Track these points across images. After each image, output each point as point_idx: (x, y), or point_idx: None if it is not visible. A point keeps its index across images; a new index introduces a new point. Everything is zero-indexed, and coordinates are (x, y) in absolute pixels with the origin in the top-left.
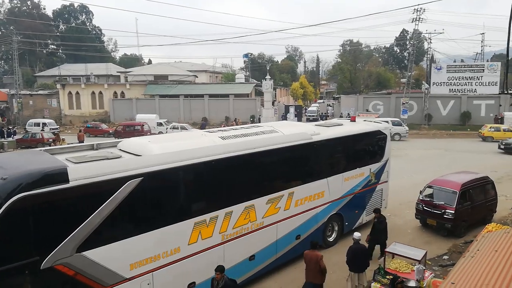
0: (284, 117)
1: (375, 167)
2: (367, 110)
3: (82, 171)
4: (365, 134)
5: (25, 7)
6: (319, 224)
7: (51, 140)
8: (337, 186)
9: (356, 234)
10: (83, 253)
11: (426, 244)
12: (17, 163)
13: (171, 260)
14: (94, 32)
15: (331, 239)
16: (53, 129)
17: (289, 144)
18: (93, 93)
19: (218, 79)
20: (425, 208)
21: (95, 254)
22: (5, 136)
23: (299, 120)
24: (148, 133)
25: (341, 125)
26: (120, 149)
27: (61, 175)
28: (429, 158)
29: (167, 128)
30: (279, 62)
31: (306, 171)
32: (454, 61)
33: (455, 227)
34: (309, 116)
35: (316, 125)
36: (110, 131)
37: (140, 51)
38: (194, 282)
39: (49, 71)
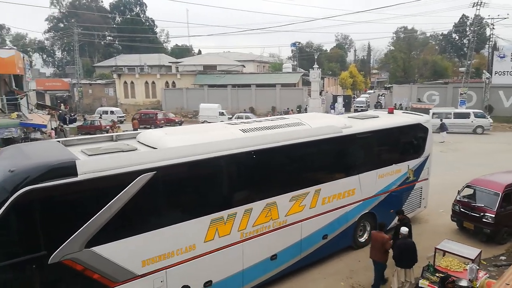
0: (332, 107)
1: (414, 163)
2: (419, 100)
3: (92, 164)
4: (403, 128)
5: (84, 0)
6: (349, 224)
7: (108, 127)
8: (370, 184)
9: (404, 229)
10: (93, 248)
11: None
12: (28, 155)
13: (186, 257)
14: (147, 24)
15: (362, 239)
16: (120, 117)
17: (316, 138)
18: (146, 82)
19: (266, 68)
20: (462, 210)
21: (105, 250)
22: (67, 123)
23: (347, 111)
24: (162, 121)
25: (377, 117)
26: (138, 141)
27: (70, 168)
28: (489, 153)
29: (229, 117)
30: (328, 51)
31: (334, 167)
32: None
33: (495, 233)
34: (357, 107)
35: (349, 117)
36: (177, 120)
37: (190, 41)
38: (210, 281)
39: (107, 62)
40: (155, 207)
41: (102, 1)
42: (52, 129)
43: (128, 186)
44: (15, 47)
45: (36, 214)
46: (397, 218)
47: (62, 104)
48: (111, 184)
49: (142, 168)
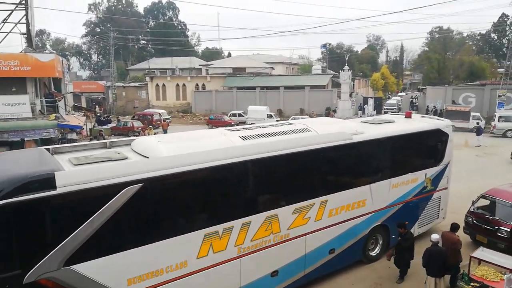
0: (361, 109)
1: (432, 171)
2: (453, 102)
3: (73, 176)
4: (421, 134)
5: (120, 6)
6: (358, 237)
7: (140, 128)
8: (382, 194)
9: (434, 236)
10: (73, 266)
11: None
12: (6, 165)
13: (177, 275)
14: (179, 27)
15: (373, 253)
16: (166, 118)
17: (323, 145)
18: (177, 85)
19: (295, 70)
20: (475, 222)
21: (86, 268)
22: (102, 124)
23: (378, 113)
24: (159, 122)
25: (392, 122)
26: (132, 149)
27: (48, 181)
28: None
29: (277, 120)
30: (359, 52)
31: (343, 177)
32: None
33: (510, 249)
34: (387, 109)
35: (362, 122)
36: (232, 123)
37: (220, 44)
38: None
39: (140, 65)
40: (143, 221)
41: (136, 6)
42: (89, 129)
43: (112, 200)
44: (54, 51)
45: (9, 230)
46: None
47: (97, 106)
48: (93, 197)
49: (128, 180)
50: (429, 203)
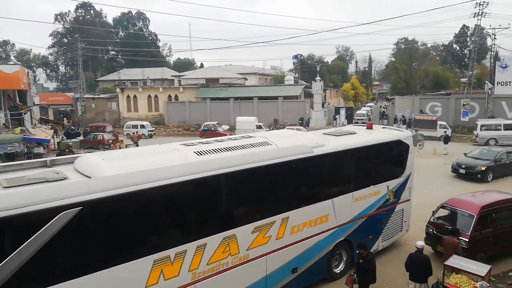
0: (334, 119)
1: (394, 183)
2: (421, 111)
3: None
4: (382, 145)
5: (88, 16)
6: (322, 254)
7: (110, 141)
8: (345, 208)
9: (419, 243)
10: None
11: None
12: None
13: None
14: (150, 38)
15: (338, 270)
16: (150, 131)
17: (283, 159)
18: (149, 96)
19: (268, 81)
20: (435, 232)
21: None
22: (70, 137)
23: (349, 123)
24: (111, 134)
25: (354, 133)
26: (74, 168)
27: None
28: None
29: (266, 130)
30: (329, 63)
31: (304, 192)
32: None
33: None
34: (357, 119)
35: (324, 133)
36: (228, 135)
37: (193, 55)
38: None
39: (110, 76)
40: (83, 249)
41: (105, 16)
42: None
43: (45, 226)
44: (19, 62)
45: None
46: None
47: (65, 119)
48: (23, 224)
49: (64, 204)
50: (392, 215)
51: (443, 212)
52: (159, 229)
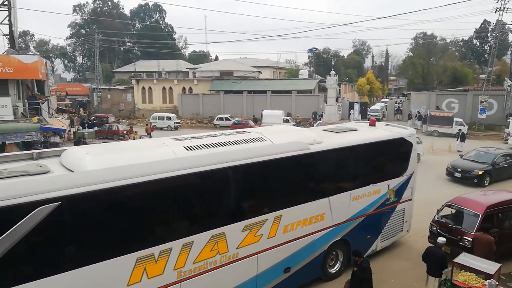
0: (349, 114)
1: (395, 182)
2: (437, 108)
3: None
4: (383, 143)
5: (106, 8)
6: (317, 253)
7: (125, 132)
8: (342, 207)
9: (441, 239)
10: None
11: None
12: None
13: None
14: (166, 30)
15: (333, 270)
16: (176, 123)
17: (277, 156)
18: (164, 88)
19: (282, 74)
20: (439, 231)
21: None
22: (86, 127)
23: (364, 118)
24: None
25: (355, 130)
26: (60, 161)
27: None
28: None
29: (293, 124)
30: (345, 57)
31: (299, 190)
32: None
33: None
34: (371, 115)
35: (325, 130)
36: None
37: (208, 47)
38: None
39: (126, 67)
40: (61, 245)
41: (123, 8)
42: (73, 133)
43: (21, 222)
44: (38, 53)
45: None
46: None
47: (81, 109)
48: None
49: (41, 198)
50: (392, 215)
51: (448, 211)
52: (142, 226)
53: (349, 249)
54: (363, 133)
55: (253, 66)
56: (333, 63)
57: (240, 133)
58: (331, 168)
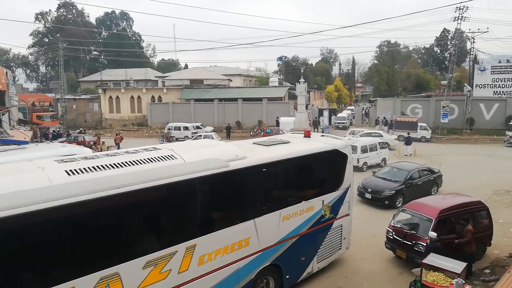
0: (318, 121)
1: (330, 197)
2: (402, 113)
3: None
4: (316, 156)
5: (70, 15)
6: (242, 284)
7: (92, 142)
8: (271, 229)
9: (432, 234)
10: None
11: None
12: None
13: None
14: (134, 38)
15: None
16: (193, 133)
17: (187, 176)
18: (132, 97)
19: (252, 82)
20: (395, 236)
21: None
22: (50, 139)
23: (330, 124)
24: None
25: (287, 143)
26: None
27: None
28: (470, 165)
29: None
30: (314, 65)
31: (217, 214)
32: (499, 62)
33: None
34: (338, 123)
35: (254, 143)
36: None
37: (177, 56)
38: None
39: (92, 77)
40: None
41: (88, 16)
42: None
43: None
44: None
45: None
46: None
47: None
48: None
49: None
50: (329, 233)
51: (403, 216)
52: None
53: (281, 275)
54: (294, 146)
55: (223, 74)
56: (302, 71)
57: (148, 150)
58: (256, 186)
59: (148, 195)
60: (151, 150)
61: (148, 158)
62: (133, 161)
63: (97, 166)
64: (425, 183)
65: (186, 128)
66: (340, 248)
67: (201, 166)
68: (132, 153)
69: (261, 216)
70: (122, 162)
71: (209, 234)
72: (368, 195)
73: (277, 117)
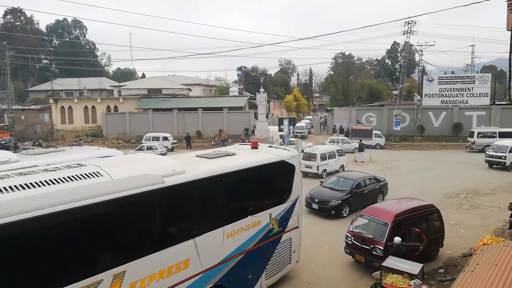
0: (280, 130)
1: (278, 210)
2: (358, 122)
3: None
4: (262, 168)
5: (18, 22)
6: None
7: None
8: (213, 247)
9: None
10: None
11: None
12: None
13: None
14: (87, 47)
15: None
16: (173, 143)
17: (114, 196)
18: (86, 107)
19: (212, 92)
20: (353, 241)
21: None
22: None
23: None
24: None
25: (233, 155)
26: None
27: None
28: (422, 170)
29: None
30: (273, 75)
31: (150, 235)
32: (445, 73)
33: None
34: (297, 133)
35: (197, 156)
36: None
37: (133, 65)
38: None
39: (42, 86)
40: None
41: (38, 24)
42: None
43: None
44: None
45: None
46: None
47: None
48: None
49: None
50: (277, 247)
51: (361, 221)
52: None
53: None
54: (240, 158)
55: (182, 84)
56: (261, 81)
57: (71, 167)
58: (196, 203)
59: (63, 219)
60: (74, 167)
61: (68, 177)
62: (49, 180)
63: (6, 187)
64: (371, 191)
65: (165, 138)
66: (290, 262)
67: (131, 184)
68: (51, 170)
69: (202, 234)
70: (35, 182)
71: (142, 258)
72: (315, 205)
73: (254, 126)
